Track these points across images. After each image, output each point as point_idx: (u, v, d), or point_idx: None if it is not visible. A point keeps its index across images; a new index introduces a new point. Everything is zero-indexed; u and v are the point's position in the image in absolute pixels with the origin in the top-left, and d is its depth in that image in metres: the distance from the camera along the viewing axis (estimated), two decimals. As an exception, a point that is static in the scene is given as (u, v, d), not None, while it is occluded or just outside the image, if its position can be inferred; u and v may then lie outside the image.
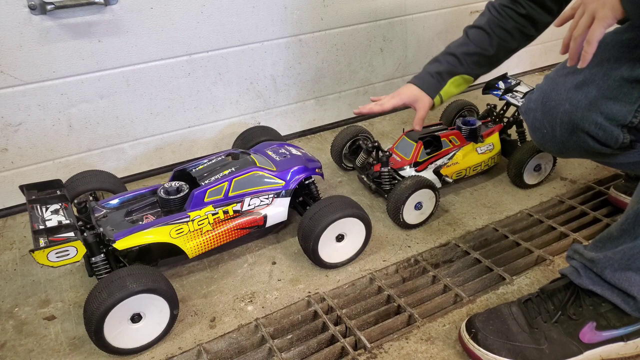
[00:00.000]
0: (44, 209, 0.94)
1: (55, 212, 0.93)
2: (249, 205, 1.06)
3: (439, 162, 1.25)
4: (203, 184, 1.03)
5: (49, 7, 1.10)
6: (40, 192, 0.99)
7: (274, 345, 0.88)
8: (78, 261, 0.87)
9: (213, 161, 1.11)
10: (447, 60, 1.13)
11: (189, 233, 0.99)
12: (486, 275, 1.03)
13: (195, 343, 0.90)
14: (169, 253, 1.02)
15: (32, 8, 1.10)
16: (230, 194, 1.04)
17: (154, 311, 0.88)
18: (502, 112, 1.38)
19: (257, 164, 1.09)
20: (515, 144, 1.35)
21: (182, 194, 1.02)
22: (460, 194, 1.32)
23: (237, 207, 1.04)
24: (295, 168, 1.10)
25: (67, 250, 0.84)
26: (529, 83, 1.42)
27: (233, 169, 1.07)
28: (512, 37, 1.07)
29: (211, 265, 1.10)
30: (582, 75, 0.76)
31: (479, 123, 1.31)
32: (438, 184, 1.23)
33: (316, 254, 1.03)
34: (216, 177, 1.05)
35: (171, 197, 1.01)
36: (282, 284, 1.04)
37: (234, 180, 1.04)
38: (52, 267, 1.01)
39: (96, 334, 0.83)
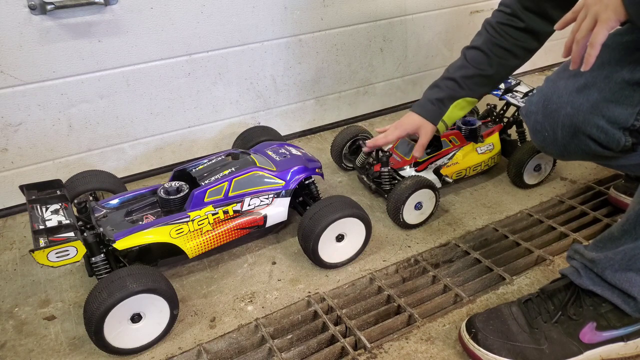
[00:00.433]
0: (44, 209, 0.94)
1: (55, 212, 0.93)
2: (249, 205, 1.06)
3: (439, 162, 1.25)
4: (203, 184, 1.03)
5: (49, 7, 1.10)
6: (40, 192, 0.99)
7: (274, 345, 0.88)
8: (78, 261, 0.87)
9: (213, 161, 1.11)
10: (447, 85, 1.11)
11: (189, 233, 0.99)
12: (486, 275, 1.03)
13: (195, 343, 0.90)
14: (169, 253, 1.02)
15: (32, 8, 1.10)
16: (230, 194, 1.04)
17: (154, 311, 0.88)
18: (502, 112, 1.38)
19: (257, 164, 1.09)
20: (515, 144, 1.35)
21: (182, 194, 1.02)
22: (460, 194, 1.32)
23: (237, 207, 1.04)
24: (295, 168, 1.10)
25: (67, 250, 0.84)
26: (529, 83, 1.42)
27: (233, 169, 1.07)
28: (511, 54, 1.06)
29: (211, 265, 1.10)
30: (584, 78, 0.76)
31: (479, 123, 1.30)
32: (438, 184, 1.23)
33: (316, 254, 1.03)
34: (216, 177, 1.05)
35: (171, 197, 1.01)
36: (282, 284, 1.04)
37: (234, 180, 1.04)
38: (52, 267, 1.01)
39: (96, 334, 0.83)
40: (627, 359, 0.84)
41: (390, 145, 1.30)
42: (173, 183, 1.05)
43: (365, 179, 1.29)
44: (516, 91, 1.33)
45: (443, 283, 1.01)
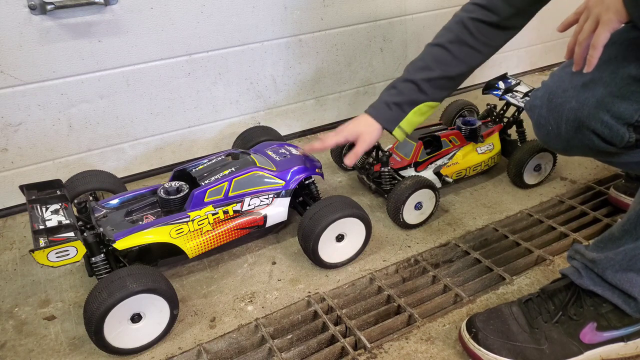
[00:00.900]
0: (44, 209, 0.94)
1: (55, 212, 0.93)
2: (249, 205, 1.06)
3: (439, 162, 1.25)
4: (203, 184, 1.03)
5: (49, 7, 1.10)
6: (40, 192, 0.99)
7: (274, 345, 0.88)
8: (78, 261, 0.87)
9: (213, 161, 1.11)
10: (407, 88, 1.03)
11: (189, 233, 0.99)
12: (486, 275, 1.03)
13: (195, 343, 0.90)
14: (169, 253, 1.02)
15: (32, 8, 1.10)
16: (230, 194, 1.04)
17: (154, 311, 0.88)
18: (502, 112, 1.38)
19: (257, 164, 1.09)
20: (515, 144, 1.35)
21: (182, 194, 1.02)
22: (460, 194, 1.32)
23: (237, 207, 1.04)
24: (295, 168, 1.10)
25: (67, 250, 0.84)
26: (529, 83, 1.42)
27: (233, 169, 1.07)
28: (477, 52, 1.01)
29: (211, 265, 1.10)
30: (590, 74, 0.76)
31: (479, 123, 1.30)
32: (438, 184, 1.23)
33: (316, 254, 1.03)
34: (216, 177, 1.05)
35: (171, 197, 1.01)
36: (282, 284, 1.04)
37: (234, 180, 1.04)
38: (52, 267, 1.01)
39: (96, 334, 0.83)
40: (627, 359, 0.84)
41: (391, 145, 1.30)
42: (173, 183, 1.05)
43: (365, 179, 1.29)
44: (516, 91, 1.33)
45: (443, 283, 1.01)
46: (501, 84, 1.37)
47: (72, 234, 0.88)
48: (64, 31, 1.15)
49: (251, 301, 1.00)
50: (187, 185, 1.04)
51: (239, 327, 0.93)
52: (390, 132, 1.06)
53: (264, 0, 1.37)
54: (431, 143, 1.29)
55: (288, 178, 1.09)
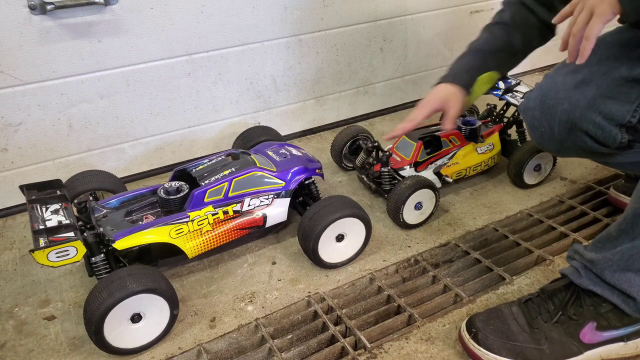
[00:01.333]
0: (44, 209, 0.94)
1: (55, 212, 0.93)
2: (249, 205, 1.06)
3: (439, 162, 1.25)
4: (203, 184, 1.03)
5: (49, 7, 1.10)
6: (40, 192, 0.99)
7: (274, 345, 0.88)
8: (78, 261, 0.87)
9: (213, 161, 1.11)
10: (475, 57, 1.09)
11: (189, 233, 0.99)
12: (486, 275, 1.03)
13: (195, 343, 0.90)
14: (169, 253, 1.02)
15: (32, 8, 1.10)
16: (230, 194, 1.04)
17: (154, 311, 0.88)
18: (502, 112, 1.38)
19: (257, 164, 1.09)
20: (515, 144, 1.35)
21: (182, 194, 1.02)
22: (460, 194, 1.32)
23: (237, 207, 1.04)
24: (296, 168, 1.10)
25: (67, 250, 0.84)
26: (529, 83, 1.41)
27: (233, 169, 1.07)
28: (534, 32, 1.04)
29: (211, 265, 1.10)
30: (582, 74, 0.76)
31: (479, 123, 1.30)
32: (438, 184, 1.23)
33: (316, 254, 1.03)
34: (216, 177, 1.05)
35: (171, 197, 1.01)
36: (282, 284, 1.04)
37: (234, 180, 1.04)
38: (52, 267, 1.01)
39: (96, 334, 0.83)
40: (627, 359, 0.84)
41: (390, 145, 1.30)
42: (173, 183, 1.05)
43: (365, 179, 1.29)
44: (516, 91, 1.33)
45: (443, 283, 1.01)
46: (501, 84, 1.36)
47: (72, 234, 0.88)
48: (64, 31, 1.15)
49: (251, 301, 1.00)
50: (187, 186, 1.05)
51: (239, 327, 0.93)
52: (466, 94, 1.09)
53: (264, 0, 1.36)
54: (431, 143, 1.29)
55: (288, 178, 1.09)
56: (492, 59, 1.08)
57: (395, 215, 1.15)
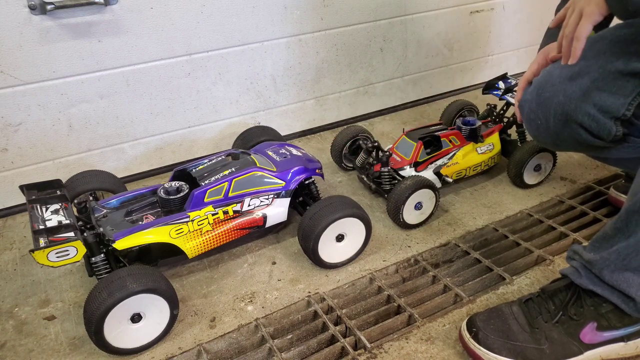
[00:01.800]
0: (44, 209, 0.94)
1: (55, 212, 0.93)
2: (249, 205, 1.06)
3: (439, 162, 1.25)
4: (203, 184, 1.03)
5: (49, 7, 1.10)
6: (40, 192, 0.99)
7: (274, 345, 0.88)
8: (78, 261, 0.87)
9: (213, 161, 1.11)
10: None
11: (189, 233, 0.99)
12: (486, 275, 1.03)
13: (195, 343, 0.90)
14: (169, 253, 1.02)
15: (32, 8, 1.10)
16: (230, 194, 1.04)
17: (154, 311, 0.88)
18: (502, 112, 1.38)
19: (257, 164, 1.09)
20: (515, 144, 1.35)
21: (182, 194, 1.02)
22: (460, 194, 1.32)
23: (237, 207, 1.04)
24: (296, 168, 1.10)
25: (67, 250, 0.84)
26: (529, 83, 1.41)
27: (233, 169, 1.07)
28: None
29: (211, 265, 1.10)
30: (578, 67, 0.76)
31: (479, 123, 1.30)
32: (438, 184, 1.23)
33: (316, 254, 1.03)
34: (216, 177, 1.05)
35: (171, 197, 1.01)
36: (282, 284, 1.04)
37: (234, 180, 1.04)
38: (52, 267, 1.01)
39: (96, 334, 0.83)
40: (627, 359, 0.84)
41: (391, 145, 1.30)
42: (173, 183, 1.05)
43: (365, 179, 1.29)
44: (516, 91, 1.33)
45: (443, 283, 1.01)
46: (501, 84, 1.37)
47: (72, 234, 0.88)
48: (64, 31, 1.15)
49: (251, 301, 1.00)
50: (187, 185, 1.04)
51: (239, 327, 0.93)
52: None
53: (264, 0, 1.36)
54: (431, 143, 1.29)
55: (288, 178, 1.09)
56: None
57: (395, 215, 1.15)
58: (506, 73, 1.42)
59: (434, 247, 1.12)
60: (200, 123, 1.44)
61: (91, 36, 1.19)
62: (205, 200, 1.01)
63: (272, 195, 1.08)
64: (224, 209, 1.02)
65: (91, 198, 1.08)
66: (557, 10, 1.04)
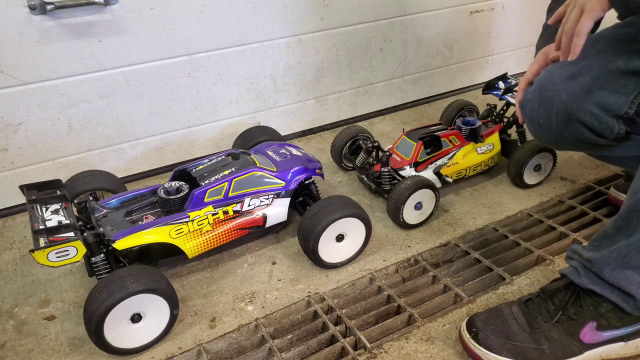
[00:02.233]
0: (44, 209, 0.94)
1: (55, 212, 0.93)
2: (249, 205, 1.06)
3: (439, 162, 1.25)
4: (203, 184, 1.03)
5: (49, 7, 1.10)
6: (40, 192, 0.99)
7: (274, 345, 0.88)
8: (78, 261, 0.87)
9: (213, 161, 1.11)
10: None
11: (189, 233, 0.99)
12: (486, 275, 1.03)
13: (195, 343, 0.90)
14: (169, 253, 1.02)
15: (32, 8, 1.10)
16: (230, 194, 1.04)
17: (154, 311, 0.88)
18: (502, 112, 1.38)
19: (257, 164, 1.09)
20: (515, 144, 1.35)
21: (182, 194, 1.02)
22: (460, 194, 1.32)
23: (237, 207, 1.04)
24: (296, 168, 1.10)
25: (67, 250, 0.84)
26: (529, 83, 1.41)
27: (233, 169, 1.07)
28: None
29: (211, 265, 1.10)
30: (579, 66, 0.76)
31: (479, 123, 1.30)
32: (438, 184, 1.23)
33: (316, 254, 1.03)
34: (216, 177, 1.05)
35: (171, 197, 1.01)
36: (282, 284, 1.04)
37: (234, 180, 1.04)
38: (52, 267, 1.01)
39: (96, 334, 0.83)
40: (627, 359, 0.84)
41: (391, 145, 1.30)
42: (173, 183, 1.05)
43: (365, 179, 1.29)
44: (516, 91, 1.33)
45: (443, 283, 1.01)
46: (501, 84, 1.37)
47: (72, 234, 0.88)
48: (64, 31, 1.15)
49: (251, 301, 1.00)
50: (187, 186, 1.04)
51: (239, 327, 0.93)
52: None
53: (264, 0, 1.37)
54: (431, 143, 1.29)
55: (288, 178, 1.09)
56: None
57: (395, 215, 1.15)
58: (506, 73, 1.42)
59: (434, 247, 1.12)
60: (200, 123, 1.44)
61: (91, 36, 1.19)
62: (205, 200, 1.01)
63: (272, 195, 1.08)
64: (224, 209, 1.02)
65: (91, 198, 1.08)
66: (549, 10, 1.04)
